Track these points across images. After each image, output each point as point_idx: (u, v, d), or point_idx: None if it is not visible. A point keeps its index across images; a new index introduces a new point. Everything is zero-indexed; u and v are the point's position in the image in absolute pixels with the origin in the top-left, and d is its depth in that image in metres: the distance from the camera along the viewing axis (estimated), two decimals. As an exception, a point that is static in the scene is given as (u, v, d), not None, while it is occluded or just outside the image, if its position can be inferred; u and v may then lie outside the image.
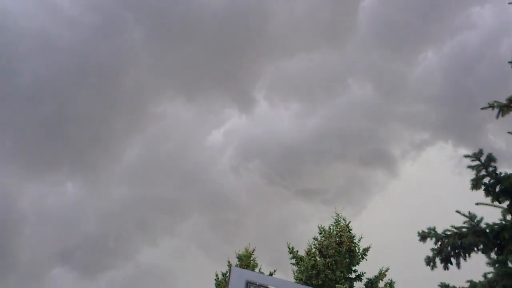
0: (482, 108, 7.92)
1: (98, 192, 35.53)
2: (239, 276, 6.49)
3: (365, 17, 32.01)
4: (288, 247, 16.19)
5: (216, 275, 17.46)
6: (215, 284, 17.21)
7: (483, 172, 5.79)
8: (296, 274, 15.28)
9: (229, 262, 17.33)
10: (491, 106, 7.83)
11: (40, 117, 31.32)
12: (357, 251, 15.63)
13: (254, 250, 17.71)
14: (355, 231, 16.22)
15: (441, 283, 7.23)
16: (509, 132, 7.45)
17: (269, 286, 7.14)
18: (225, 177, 35.54)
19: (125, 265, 32.86)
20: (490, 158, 5.81)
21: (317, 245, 15.75)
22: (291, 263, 15.95)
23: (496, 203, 6.25)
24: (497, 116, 7.79)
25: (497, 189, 5.75)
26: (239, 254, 17.53)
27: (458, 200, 6.66)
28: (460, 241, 6.55)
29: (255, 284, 6.65)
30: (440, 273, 7.19)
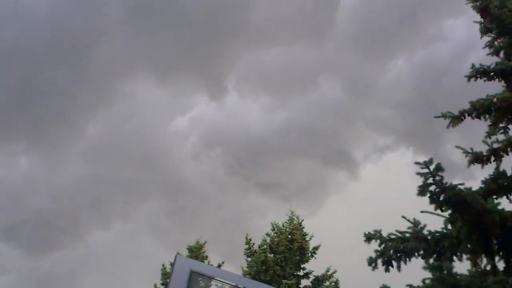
0: (436, 117, 8.19)
1: (54, 167, 34.53)
2: (184, 265, 6.41)
3: (345, 17, 32.44)
4: (246, 238, 16.28)
5: (163, 265, 17.31)
6: (161, 273, 17.07)
7: (430, 180, 5.94)
8: (245, 268, 15.38)
9: (178, 253, 17.25)
10: (444, 116, 8.10)
11: (3, 85, 30.05)
12: (308, 249, 15.88)
13: (205, 242, 17.71)
14: (309, 229, 16.52)
15: (382, 285, 7.43)
16: (457, 147, 7.74)
17: (213, 277, 7.11)
18: (186, 164, 35.24)
19: (74, 246, 32.13)
20: (438, 168, 5.97)
21: (268, 241, 15.89)
22: (244, 254, 16.05)
23: (439, 211, 6.46)
24: (448, 126, 8.08)
25: (441, 198, 5.93)
26: (189, 246, 17.49)
27: (410, 206, 6.84)
28: (402, 245, 6.75)
29: (199, 274, 6.60)
30: (385, 276, 7.39)
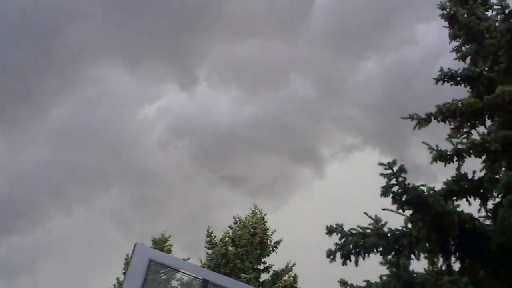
0: (403, 118, 8.32)
1: (16, 150, 33.24)
2: (143, 254, 6.23)
3: (320, 14, 32.50)
4: (207, 231, 16.16)
5: (127, 255, 17.04)
6: (125, 263, 16.80)
7: (393, 181, 6.01)
8: (205, 260, 15.28)
9: (142, 243, 16.96)
10: (411, 118, 8.24)
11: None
12: (269, 243, 15.93)
13: (170, 236, 17.53)
14: (273, 224, 16.55)
15: (340, 279, 7.51)
16: (423, 142, 7.90)
17: (173, 267, 6.95)
18: (152, 153, 34.62)
19: (33, 232, 31.10)
20: (402, 169, 6.05)
21: (231, 234, 15.84)
22: (205, 247, 15.94)
23: (400, 211, 6.56)
24: (414, 128, 8.22)
25: (403, 199, 6.01)
26: (154, 238, 17.27)
27: (374, 205, 6.90)
28: (362, 240, 6.83)
29: (159, 264, 6.45)
30: (344, 272, 7.46)
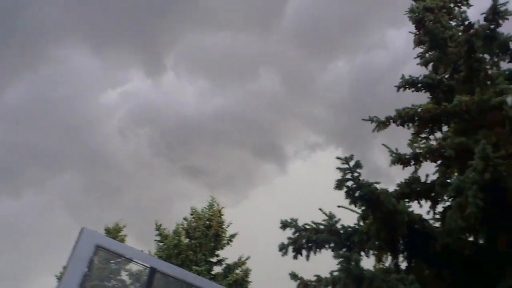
0: (363, 120, 8.43)
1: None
2: (90, 239, 6.01)
3: (293, 11, 32.51)
4: (156, 224, 15.88)
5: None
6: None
7: (348, 176, 6.05)
8: (156, 251, 15.04)
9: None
10: (371, 120, 8.36)
11: None
12: (224, 236, 15.84)
13: (124, 226, 17.16)
14: (231, 218, 16.43)
15: (291, 272, 7.54)
16: (383, 144, 8.03)
17: (121, 254, 6.76)
18: (111, 139, 33.74)
19: (-23, 213, 29.73)
20: (357, 165, 6.09)
21: (185, 226, 15.66)
22: (155, 240, 15.68)
23: (356, 209, 6.62)
24: (373, 130, 8.35)
25: (356, 194, 6.07)
26: (107, 227, 16.87)
27: (332, 203, 6.94)
28: (315, 236, 6.88)
29: (105, 249, 6.25)
30: (298, 268, 7.49)
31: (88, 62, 34.35)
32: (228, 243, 15.87)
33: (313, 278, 7.23)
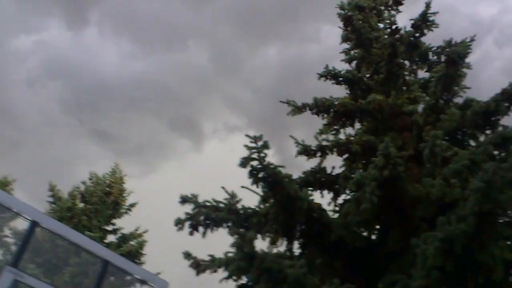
0: (281, 101, 8.36)
1: None
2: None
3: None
4: (50, 184, 14.82)
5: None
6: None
7: (254, 155, 5.86)
8: (47, 212, 14.04)
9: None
10: (288, 103, 8.30)
11: None
12: (123, 205, 15.22)
13: (14, 180, 15.80)
14: (133, 188, 15.76)
15: (185, 251, 7.29)
16: (290, 136, 8.02)
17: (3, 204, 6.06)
18: (17, 88, 30.79)
19: None
20: (265, 145, 5.90)
21: (82, 190, 14.81)
22: (47, 201, 14.62)
23: (257, 190, 6.47)
24: (288, 114, 8.31)
25: (260, 175, 5.92)
26: (-5, 179, 15.44)
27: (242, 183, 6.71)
28: (214, 213, 6.69)
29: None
30: (202, 247, 7.27)
31: (4, 3, 31.11)
32: (126, 213, 15.27)
33: (207, 258, 7.06)
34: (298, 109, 8.23)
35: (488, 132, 6.99)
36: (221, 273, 6.69)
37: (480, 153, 5.80)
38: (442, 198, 5.71)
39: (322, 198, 7.77)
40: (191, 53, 32.27)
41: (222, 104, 32.95)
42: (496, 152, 6.08)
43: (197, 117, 34.70)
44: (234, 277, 6.66)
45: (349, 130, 8.82)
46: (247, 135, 5.88)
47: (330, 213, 7.27)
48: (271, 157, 6.13)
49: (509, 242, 5.88)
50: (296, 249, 6.78)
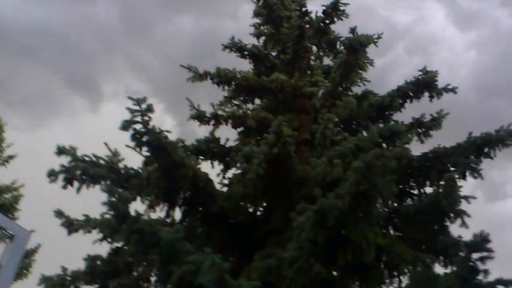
0: (181, 66, 8.07)
1: None
2: None
3: None
4: None
5: None
6: None
7: (138, 119, 5.52)
8: None
9: None
10: (189, 68, 8.04)
11: None
12: (0, 156, 13.98)
13: None
14: (15, 140, 14.49)
15: (57, 209, 6.84)
16: (187, 98, 7.77)
17: None
18: None
19: None
20: (149, 109, 5.54)
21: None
22: None
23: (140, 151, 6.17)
24: (188, 80, 8.05)
25: (144, 139, 5.62)
26: None
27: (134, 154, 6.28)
28: (93, 169, 6.31)
29: None
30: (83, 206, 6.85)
31: None
32: (3, 164, 14.04)
33: (82, 218, 6.68)
34: (199, 76, 8.01)
35: (381, 125, 7.30)
36: (96, 234, 6.41)
37: (366, 140, 6.03)
38: (325, 178, 5.86)
39: (212, 169, 7.70)
40: (99, 7, 29.92)
41: (127, 67, 31.09)
42: (384, 146, 6.37)
43: (97, 76, 32.55)
44: (109, 239, 6.39)
45: (250, 106, 8.83)
46: (129, 97, 5.49)
47: (219, 186, 7.22)
48: (173, 128, 5.88)
49: (385, 231, 6.30)
50: (178, 217, 6.64)
